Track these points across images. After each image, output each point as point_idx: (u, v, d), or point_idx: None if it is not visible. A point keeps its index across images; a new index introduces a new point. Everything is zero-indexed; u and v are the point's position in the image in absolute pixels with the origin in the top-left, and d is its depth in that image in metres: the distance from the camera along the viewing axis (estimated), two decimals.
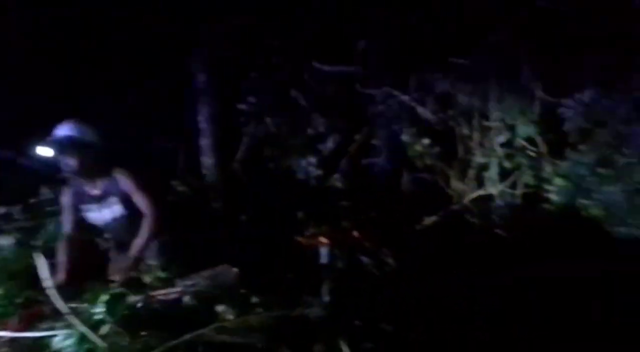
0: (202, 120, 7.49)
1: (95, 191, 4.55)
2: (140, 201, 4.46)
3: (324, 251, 4.22)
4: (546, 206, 6.01)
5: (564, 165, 5.82)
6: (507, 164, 6.40)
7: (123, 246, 4.58)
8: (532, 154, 6.29)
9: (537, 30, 5.36)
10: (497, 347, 3.58)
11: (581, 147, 5.54)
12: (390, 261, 4.83)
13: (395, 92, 6.59)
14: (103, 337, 2.92)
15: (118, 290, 3.33)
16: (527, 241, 5.85)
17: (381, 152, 7.35)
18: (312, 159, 7.28)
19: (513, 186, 6.35)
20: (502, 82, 5.80)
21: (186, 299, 3.65)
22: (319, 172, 7.38)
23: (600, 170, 5.27)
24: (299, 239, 6.39)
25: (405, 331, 3.68)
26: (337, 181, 7.44)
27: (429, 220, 6.65)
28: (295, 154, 7.30)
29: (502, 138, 6.40)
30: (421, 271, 4.95)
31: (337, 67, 7.22)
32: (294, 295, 3.76)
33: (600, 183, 5.31)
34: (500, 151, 6.31)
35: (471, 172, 6.63)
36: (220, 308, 3.48)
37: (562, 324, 4.04)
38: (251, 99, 7.19)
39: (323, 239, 6.74)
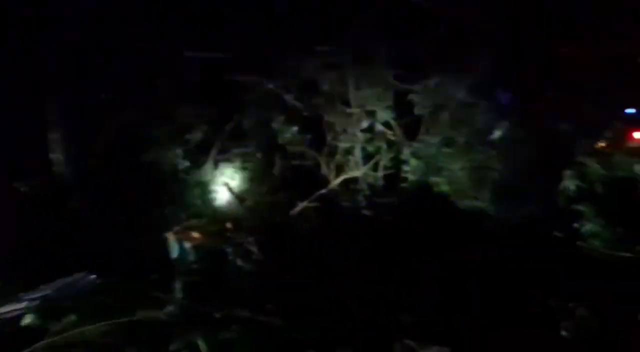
0: (53, 111, 6.71)
1: None
2: None
3: (174, 246, 4.06)
4: (404, 185, 6.46)
5: (417, 146, 6.28)
6: (369, 148, 6.72)
7: None
8: (391, 137, 6.69)
9: (390, 21, 5.68)
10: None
11: (430, 129, 6.03)
12: (255, 250, 4.80)
13: (262, 80, 6.51)
14: None
15: None
16: (389, 220, 6.28)
17: (252, 140, 7.26)
18: (179, 150, 6.93)
19: (375, 168, 6.70)
20: (359, 70, 6.05)
21: (29, 315, 3.29)
22: (187, 163, 7.07)
23: (445, 149, 5.81)
24: (168, 235, 6.11)
25: (268, 320, 3.72)
26: (206, 171, 7.20)
27: (300, 206, 6.78)
28: (161, 145, 6.89)
29: (364, 123, 6.70)
30: (289, 259, 5.03)
31: (203, 54, 6.91)
32: (151, 295, 3.57)
33: (446, 162, 5.83)
34: (362, 136, 6.61)
35: (338, 157, 6.85)
36: (70, 319, 3.18)
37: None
38: (111, 88, 6.58)
39: (195, 234, 6.53)
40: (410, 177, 6.37)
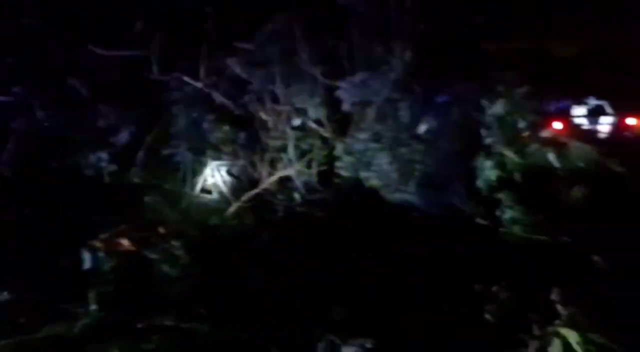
0: None
1: None
2: None
3: (87, 256, 3.86)
4: (337, 180, 6.51)
5: (348, 142, 6.35)
6: (303, 146, 6.72)
7: None
8: (323, 134, 6.72)
9: (312, 17, 5.70)
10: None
11: (359, 125, 6.11)
12: (182, 254, 4.67)
13: (187, 78, 6.34)
14: None
15: None
16: (322, 216, 6.32)
17: (181, 141, 7.05)
18: (104, 154, 6.61)
19: (309, 165, 6.71)
20: (286, 67, 6.02)
21: None
22: (113, 167, 6.76)
23: (373, 144, 5.91)
24: (95, 243, 5.81)
25: (192, 326, 3.63)
26: (135, 175, 6.93)
27: (234, 206, 6.67)
28: (82, 149, 6.54)
29: (297, 121, 6.69)
30: (218, 261, 4.94)
31: (119, 52, 6.60)
32: (63, 309, 3.37)
33: (375, 156, 5.94)
34: (294, 134, 6.59)
35: (271, 156, 6.80)
36: None
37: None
38: (17, 89, 6.14)
39: (124, 241, 6.26)
40: (343, 173, 6.43)
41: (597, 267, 5.30)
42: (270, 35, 5.84)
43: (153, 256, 4.64)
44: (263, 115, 6.71)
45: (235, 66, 6.06)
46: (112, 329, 3.16)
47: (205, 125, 6.90)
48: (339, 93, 5.84)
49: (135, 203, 6.88)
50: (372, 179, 6.09)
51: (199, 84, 6.43)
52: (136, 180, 6.88)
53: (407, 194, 5.91)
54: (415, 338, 4.03)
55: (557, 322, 4.04)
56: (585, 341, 3.92)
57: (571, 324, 4.09)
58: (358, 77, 5.67)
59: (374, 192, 6.14)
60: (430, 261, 5.27)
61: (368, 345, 3.38)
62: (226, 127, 6.70)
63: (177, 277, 4.46)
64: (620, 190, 6.36)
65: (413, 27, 5.62)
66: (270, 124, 6.61)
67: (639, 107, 11.17)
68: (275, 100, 6.53)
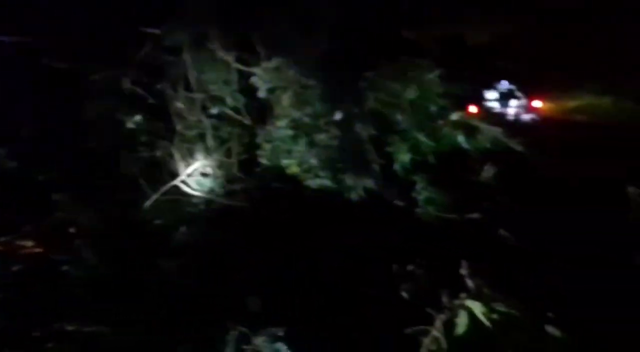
0: None
1: None
2: None
3: None
4: (259, 170, 6.43)
5: (268, 130, 6.27)
6: (221, 135, 6.56)
7: None
8: (245, 122, 6.60)
9: (222, 1, 5.52)
10: None
11: (277, 112, 6.06)
12: (89, 255, 4.41)
13: (94, 66, 5.95)
14: None
15: None
16: (243, 206, 6.24)
17: (93, 131, 6.64)
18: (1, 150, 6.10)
19: (229, 155, 6.57)
20: (198, 53, 5.82)
21: None
22: (15, 163, 6.26)
23: (291, 132, 5.89)
24: None
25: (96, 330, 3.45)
26: (41, 171, 6.46)
27: (151, 199, 6.41)
28: None
29: (214, 109, 6.51)
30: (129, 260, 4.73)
31: (19, 38, 6.10)
32: None
33: (295, 143, 5.92)
34: (212, 122, 6.42)
35: (188, 146, 6.58)
36: None
37: None
38: None
39: (28, 243, 5.82)
40: (264, 161, 6.35)
41: (503, 242, 5.68)
42: (180, 20, 5.60)
43: (59, 257, 4.35)
44: (178, 104, 6.46)
45: (144, 52, 5.76)
46: (7, 339, 2.92)
47: (118, 115, 6.55)
48: (254, 80, 5.74)
49: (43, 202, 6.43)
50: (292, 166, 6.07)
51: (108, 72, 6.05)
52: (41, 177, 6.41)
53: (327, 180, 5.96)
54: (331, 322, 4.08)
55: (463, 295, 4.24)
56: (489, 311, 4.16)
57: (477, 296, 4.33)
58: (272, 63, 5.60)
59: (294, 179, 6.14)
60: (349, 245, 5.38)
61: (280, 333, 3.39)
62: (139, 117, 6.39)
63: (84, 279, 4.21)
64: (525, 169, 6.82)
65: (327, 12, 5.62)
66: (185, 113, 6.38)
67: (544, 91, 12.06)
68: (190, 88, 6.30)
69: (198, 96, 6.12)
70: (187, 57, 5.85)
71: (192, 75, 5.91)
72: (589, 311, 4.24)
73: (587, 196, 6.49)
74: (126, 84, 5.96)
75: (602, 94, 13.11)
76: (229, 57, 5.80)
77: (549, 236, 5.48)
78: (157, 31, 5.70)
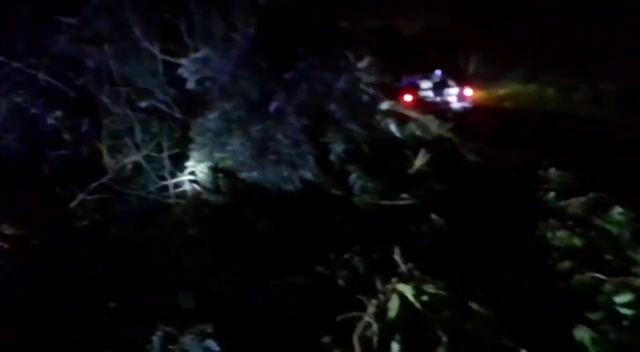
0: None
1: None
2: None
3: None
4: (192, 164, 6.26)
5: (200, 123, 6.11)
6: (153, 129, 6.32)
7: None
8: (175, 115, 6.39)
9: None
10: None
11: (209, 104, 5.91)
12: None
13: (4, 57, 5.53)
14: None
15: None
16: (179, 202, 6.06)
17: (6, 130, 6.20)
18: None
19: (160, 150, 6.34)
20: (121, 44, 5.55)
21: None
22: None
23: (223, 124, 5.76)
24: None
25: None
26: None
27: (78, 198, 6.09)
28: None
29: (142, 103, 6.26)
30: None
31: None
32: None
33: (228, 136, 5.81)
34: (140, 117, 6.17)
35: (116, 142, 6.29)
36: None
37: None
38: None
39: None
40: (197, 155, 6.19)
41: (435, 226, 5.86)
42: (98, 9, 5.30)
43: None
44: (103, 98, 6.15)
45: (59, 43, 5.41)
46: None
47: (35, 110, 6.14)
48: (181, 71, 5.54)
49: None
50: (226, 160, 5.95)
51: (17, 64, 5.64)
52: None
53: (263, 173, 5.90)
54: (263, 317, 4.06)
55: (394, 279, 4.35)
56: (418, 293, 4.29)
57: (408, 279, 4.45)
58: (199, 53, 5.43)
59: (230, 173, 6.03)
60: (286, 236, 5.38)
61: (209, 330, 3.32)
62: (58, 113, 6.02)
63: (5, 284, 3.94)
64: (455, 155, 7.08)
65: (255, 1, 5.52)
66: (111, 108, 6.08)
67: (474, 79, 12.57)
68: (115, 81, 6.01)
69: (123, 89, 5.84)
70: (108, 48, 5.55)
71: (115, 68, 5.62)
72: (509, 288, 4.50)
73: (513, 181, 6.84)
74: (45, 79, 5.57)
75: (527, 82, 13.90)
76: (154, 48, 5.56)
77: (477, 220, 5.74)
78: (73, 21, 5.35)
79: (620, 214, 5.81)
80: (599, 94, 12.68)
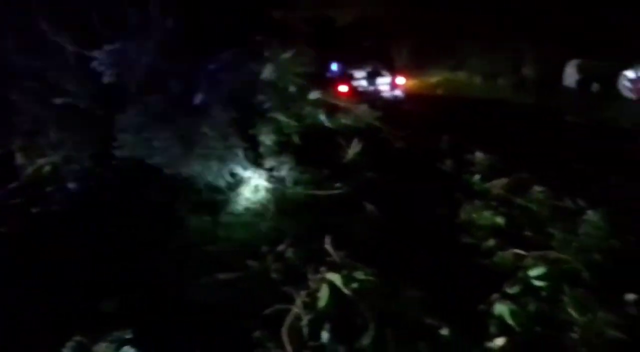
0: None
1: None
2: None
3: None
4: (115, 162, 5.95)
5: (122, 118, 5.80)
6: (68, 127, 5.94)
7: None
8: (95, 112, 6.03)
9: None
10: None
11: (130, 98, 5.62)
12: None
13: None
14: None
15: None
16: (103, 203, 5.77)
17: None
18: None
19: (79, 148, 5.98)
20: (24, 36, 5.15)
21: None
22: None
23: (146, 119, 5.50)
24: None
25: None
26: None
27: None
28: None
29: (57, 100, 5.86)
30: None
31: None
32: None
33: (153, 131, 5.56)
34: (55, 114, 5.77)
35: (30, 142, 5.88)
36: None
37: None
38: None
39: None
40: (121, 153, 5.88)
41: (368, 213, 5.94)
42: None
43: None
44: (13, 96, 5.70)
45: None
46: None
47: None
48: (95, 64, 5.22)
49: None
50: (153, 156, 5.69)
51: None
52: None
53: (191, 168, 5.71)
54: (193, 317, 3.95)
55: (322, 268, 4.35)
56: (348, 280, 4.32)
57: (338, 268, 4.47)
58: (114, 46, 5.13)
59: (157, 169, 5.78)
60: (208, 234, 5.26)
61: (127, 336, 3.16)
62: None
63: None
64: (386, 144, 7.19)
65: None
66: (22, 106, 5.65)
67: (406, 68, 12.86)
68: (23, 76, 5.57)
69: (33, 85, 5.43)
70: (10, 40, 5.13)
71: (21, 62, 5.21)
72: (436, 269, 4.64)
73: (440, 166, 7.07)
74: None
75: (456, 70, 14.43)
76: (63, 40, 5.20)
77: (407, 206, 5.87)
78: None
79: (540, 192, 6.17)
80: (521, 79, 13.48)
